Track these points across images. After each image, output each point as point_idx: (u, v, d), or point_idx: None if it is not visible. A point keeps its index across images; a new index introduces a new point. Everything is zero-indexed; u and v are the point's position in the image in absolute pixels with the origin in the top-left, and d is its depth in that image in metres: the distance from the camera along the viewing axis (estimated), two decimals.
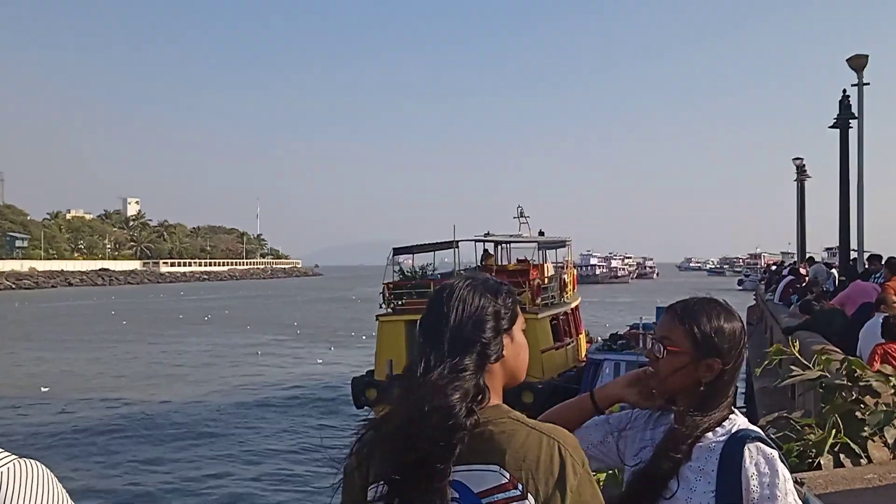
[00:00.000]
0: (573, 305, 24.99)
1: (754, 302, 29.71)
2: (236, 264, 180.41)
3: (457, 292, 1.71)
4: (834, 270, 19.85)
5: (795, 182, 31.31)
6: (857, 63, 17.88)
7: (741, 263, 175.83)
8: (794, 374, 2.74)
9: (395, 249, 23.94)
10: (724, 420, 1.97)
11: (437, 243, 24.80)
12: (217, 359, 34.20)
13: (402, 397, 1.63)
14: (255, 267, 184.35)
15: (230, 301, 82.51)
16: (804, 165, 30.91)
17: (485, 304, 1.71)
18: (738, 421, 1.98)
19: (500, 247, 26.89)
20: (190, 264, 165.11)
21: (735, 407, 1.94)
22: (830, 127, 19.92)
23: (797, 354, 2.75)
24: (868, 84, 17.72)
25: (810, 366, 2.77)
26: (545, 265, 25.66)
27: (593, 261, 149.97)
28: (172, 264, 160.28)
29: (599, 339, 23.89)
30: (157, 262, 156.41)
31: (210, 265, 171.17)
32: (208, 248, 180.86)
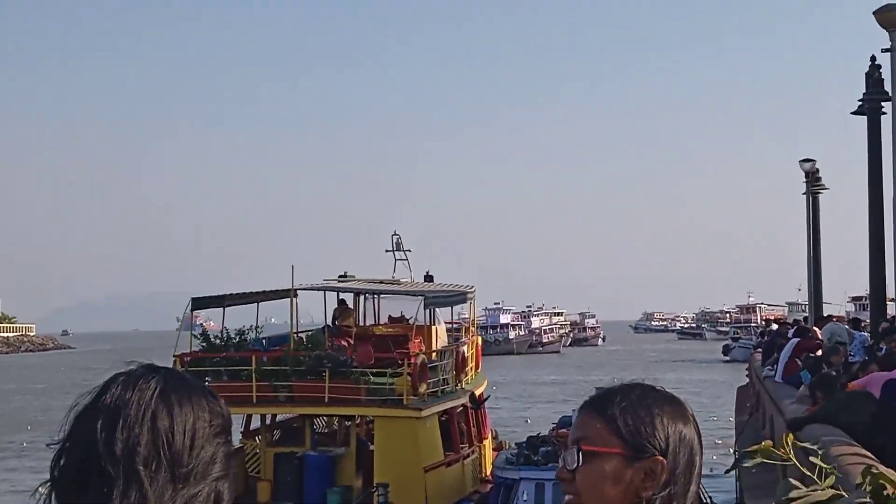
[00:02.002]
0: (476, 393, 24.83)
1: (747, 379, 29.38)
2: None
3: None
4: (867, 334, 19.48)
5: (805, 196, 28.62)
6: (890, 18, 15.06)
7: (728, 320, 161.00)
8: (794, 493, 2.53)
9: (194, 301, 23.53)
10: None
11: (262, 293, 24.66)
12: None
13: None
14: None
15: None
16: (817, 171, 28.06)
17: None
18: None
19: (364, 298, 26.70)
20: None
21: None
22: (854, 113, 18.15)
23: (794, 459, 2.64)
24: None
25: (819, 479, 2.59)
26: (434, 328, 25.52)
27: (505, 319, 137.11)
28: None
29: (513, 445, 23.79)
30: None
31: None
32: None
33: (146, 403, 1.66)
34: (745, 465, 2.74)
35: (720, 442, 35.29)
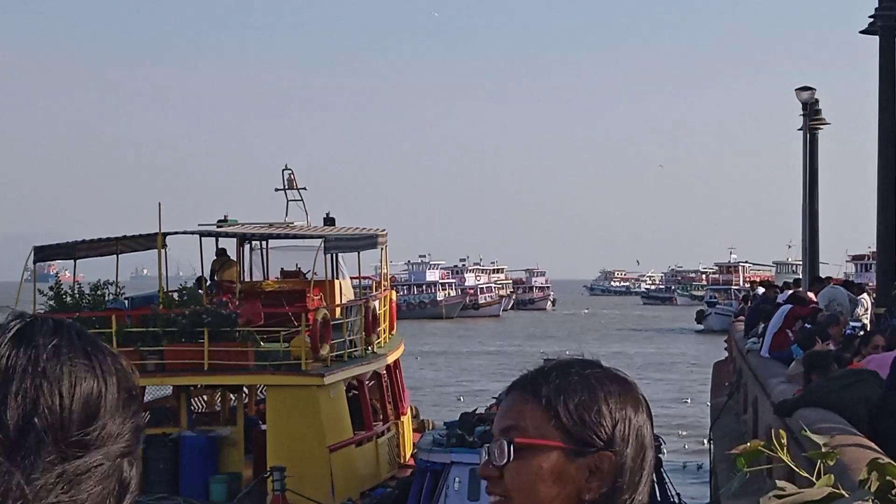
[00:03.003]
0: (390, 360, 25.09)
1: (726, 353, 29.65)
2: None
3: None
4: (865, 297, 19.71)
5: (801, 132, 28.40)
6: None
7: (703, 281, 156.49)
8: (783, 493, 2.61)
9: (37, 251, 23.53)
10: None
11: (122, 239, 24.54)
12: None
13: None
14: None
15: None
16: (816, 102, 27.79)
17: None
18: None
19: (249, 247, 27.09)
20: None
21: None
22: (863, 32, 18.05)
23: (787, 459, 2.67)
24: None
25: (814, 477, 2.74)
26: (338, 282, 25.78)
27: (432, 276, 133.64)
28: None
29: (440, 424, 24.06)
30: None
31: None
32: None
33: (39, 363, 1.67)
34: (735, 482, 2.67)
35: (684, 434, 35.22)
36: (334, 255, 25.18)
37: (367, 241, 26.35)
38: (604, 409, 2.00)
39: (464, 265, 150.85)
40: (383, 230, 27.53)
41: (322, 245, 23.06)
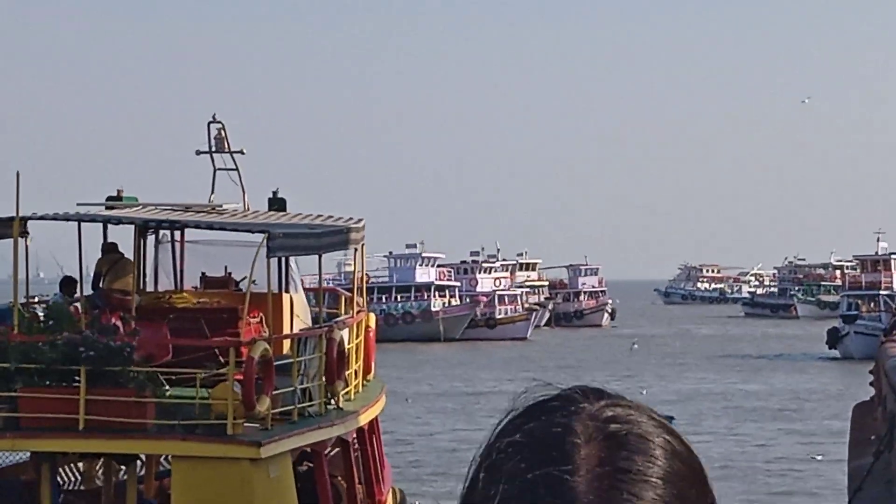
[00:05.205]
0: (363, 420, 25.63)
1: (872, 392, 31.05)
2: None
3: None
4: None
5: None
6: None
7: (837, 281, 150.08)
8: None
9: None
10: None
11: None
12: None
13: None
14: None
15: None
16: None
17: None
18: None
19: (155, 238, 27.62)
20: None
21: None
22: None
23: None
24: None
25: None
26: (287, 297, 26.38)
27: (424, 275, 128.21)
28: None
29: None
30: None
31: None
32: None
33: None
34: None
35: None
36: (282, 257, 24.92)
37: (333, 239, 26.28)
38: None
39: (475, 261, 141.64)
40: (358, 220, 27.58)
41: (264, 243, 22.47)
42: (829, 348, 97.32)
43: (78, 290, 25.65)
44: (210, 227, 26.06)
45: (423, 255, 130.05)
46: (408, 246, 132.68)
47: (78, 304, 24.40)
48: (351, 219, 27.53)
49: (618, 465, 1.94)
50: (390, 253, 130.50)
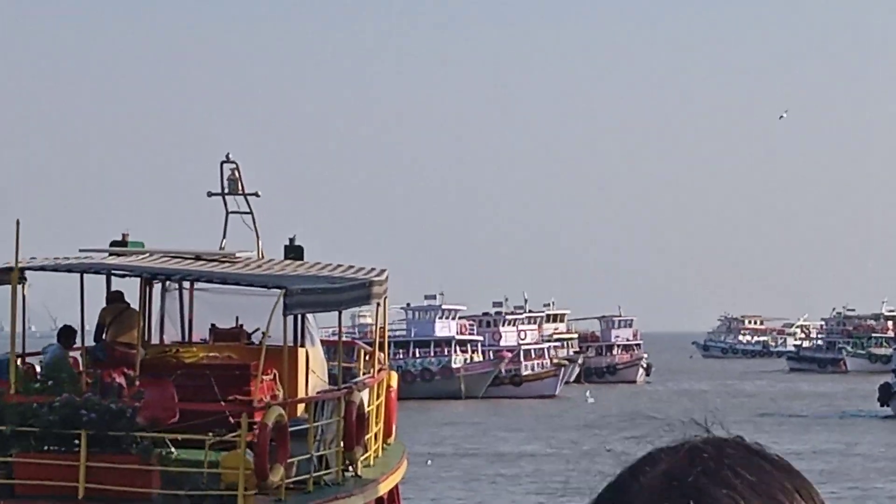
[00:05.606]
0: (384, 489, 26.07)
1: None
2: None
3: None
4: None
5: None
6: None
7: (889, 332, 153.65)
8: None
9: None
10: None
11: None
12: None
13: None
14: None
15: None
16: None
17: None
18: None
19: (162, 289, 27.98)
20: None
21: None
22: None
23: None
24: None
25: None
26: (304, 352, 26.39)
27: (444, 328, 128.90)
28: None
29: None
30: None
31: None
32: None
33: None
34: None
35: None
36: (297, 315, 24.85)
37: (354, 294, 26.32)
38: None
39: (498, 313, 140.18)
40: (381, 272, 27.57)
41: (281, 301, 22.32)
42: (881, 405, 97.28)
43: (77, 340, 25.67)
44: (224, 281, 25.93)
45: (443, 307, 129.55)
46: (427, 297, 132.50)
47: (77, 356, 24.39)
48: (373, 269, 27.60)
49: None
50: (408, 304, 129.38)
